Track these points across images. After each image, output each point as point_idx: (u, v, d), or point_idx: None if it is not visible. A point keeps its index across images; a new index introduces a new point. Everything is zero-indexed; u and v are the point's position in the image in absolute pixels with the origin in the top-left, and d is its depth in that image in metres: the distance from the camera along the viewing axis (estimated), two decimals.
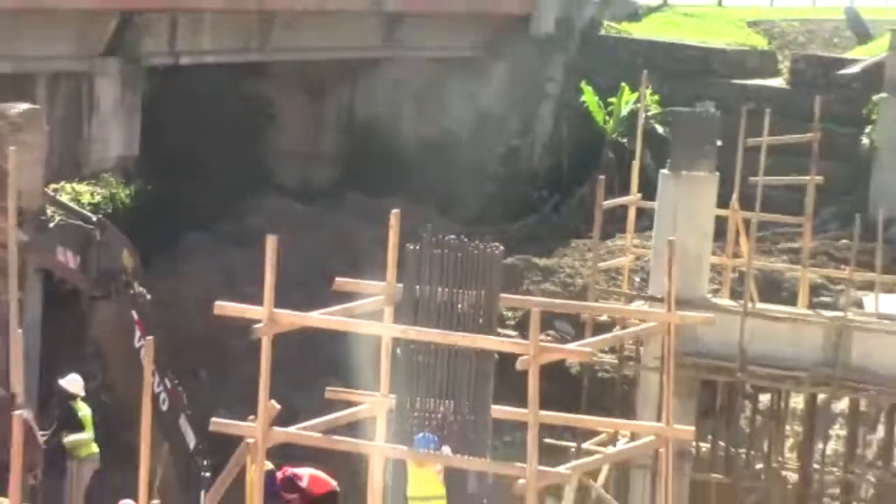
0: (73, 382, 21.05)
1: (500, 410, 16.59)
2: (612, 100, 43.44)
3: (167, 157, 36.99)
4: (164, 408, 23.29)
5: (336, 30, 43.19)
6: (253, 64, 41.28)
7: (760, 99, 38.44)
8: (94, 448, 21.11)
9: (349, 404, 17.47)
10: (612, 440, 23.47)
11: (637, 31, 51.56)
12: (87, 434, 21.01)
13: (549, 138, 45.40)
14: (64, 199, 29.40)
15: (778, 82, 46.68)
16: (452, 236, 16.99)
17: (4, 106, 23.02)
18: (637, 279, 31.92)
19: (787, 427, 29.24)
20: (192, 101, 38.30)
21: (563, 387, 24.93)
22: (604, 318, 25.79)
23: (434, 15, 46.82)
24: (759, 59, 50.89)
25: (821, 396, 27.88)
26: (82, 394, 21.22)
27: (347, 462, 18.54)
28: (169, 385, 23.53)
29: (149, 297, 25.77)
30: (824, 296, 32.49)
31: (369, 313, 16.83)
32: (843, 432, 29.56)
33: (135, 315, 24.32)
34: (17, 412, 14.98)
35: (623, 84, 42.49)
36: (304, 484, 17.61)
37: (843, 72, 44.86)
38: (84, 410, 21.10)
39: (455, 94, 45.48)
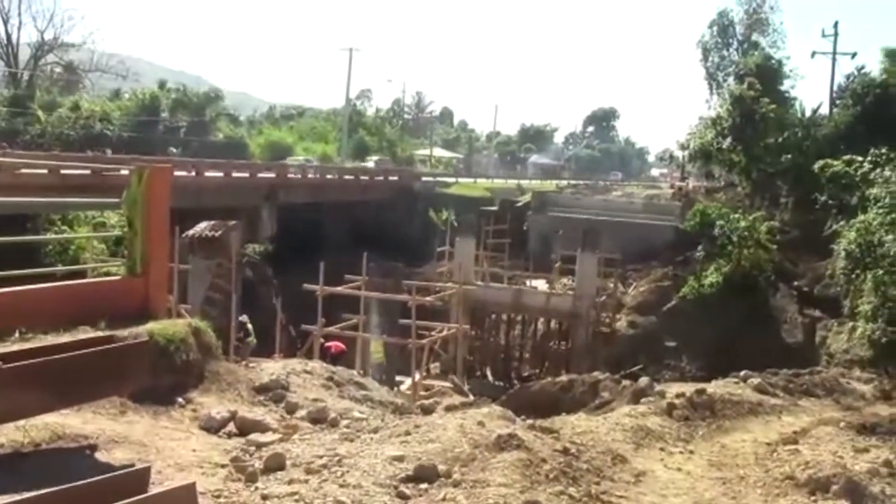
0: (243, 317, 22.00)
1: (402, 322, 25.02)
2: (439, 213, 45.59)
3: (285, 234, 39.81)
4: (285, 322, 26.16)
5: (349, 190, 51.24)
6: (316, 203, 45.73)
7: (489, 214, 45.39)
8: (254, 340, 21.61)
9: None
10: (441, 332, 27.19)
11: (451, 190, 60.03)
12: (252, 336, 21.60)
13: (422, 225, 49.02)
14: (249, 251, 33.13)
15: (495, 207, 51.15)
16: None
17: (228, 222, 25.26)
18: (451, 275, 33.10)
19: (502, 326, 34.86)
20: (295, 215, 41.65)
21: (426, 313, 26.45)
22: (438, 288, 30.42)
23: (382, 187, 55.27)
24: (490, 200, 54.54)
25: (512, 315, 34.36)
26: (247, 320, 21.92)
27: (351, 343, 24.08)
28: (282, 313, 26.29)
29: (275, 282, 31.95)
30: (512, 280, 36.17)
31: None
32: (519, 328, 35.03)
33: (273, 291, 30.21)
34: (243, 320, 21.79)
35: (442, 209, 45.21)
36: (332, 348, 22.72)
37: (517, 205, 51.34)
38: (250, 326, 21.78)
39: (395, 208, 52.10)
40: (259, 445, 7.40)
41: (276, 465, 6.62)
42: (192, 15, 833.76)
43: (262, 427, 8.09)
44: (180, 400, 8.55)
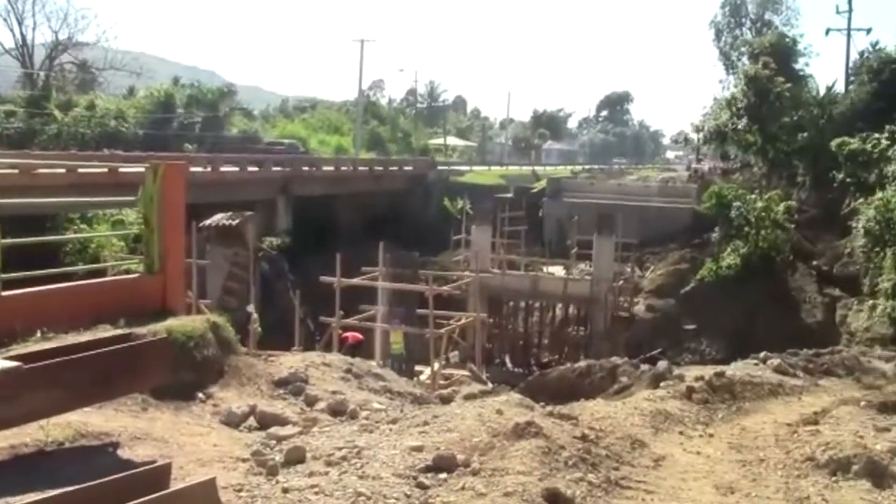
0: (250, 307, 20.94)
1: (420, 312, 25.22)
2: (454, 202, 45.84)
3: (301, 226, 40.19)
4: (302, 316, 25.00)
5: (363, 181, 51.16)
6: (330, 195, 46.43)
7: (505, 201, 43.94)
8: (259, 329, 20.25)
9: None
10: (459, 320, 26.71)
11: (465, 178, 60.61)
12: (257, 324, 20.23)
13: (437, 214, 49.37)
14: (265, 245, 32.68)
15: (510, 194, 50.46)
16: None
17: (245, 212, 24.12)
18: (467, 264, 33.23)
19: (520, 313, 34.79)
20: (310, 207, 42.16)
21: (443, 302, 26.93)
22: (455, 277, 31.37)
23: (396, 177, 55.13)
24: (504, 188, 54.68)
25: (529, 302, 34.33)
26: (253, 310, 20.77)
27: (369, 333, 24.53)
28: (300, 306, 25.27)
29: (292, 277, 31.55)
30: (529, 267, 35.62)
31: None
32: (537, 315, 34.72)
33: (289, 284, 29.76)
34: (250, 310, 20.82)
35: (457, 198, 45.52)
36: (349, 338, 22.93)
37: (532, 191, 51.25)
38: (255, 315, 20.57)
39: (410, 198, 52.88)
40: (279, 439, 7.44)
41: (296, 457, 6.65)
42: (203, 10, 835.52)
43: (281, 420, 8.13)
44: (201, 395, 8.61)
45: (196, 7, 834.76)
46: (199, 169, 35.19)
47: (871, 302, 27.45)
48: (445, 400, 10.96)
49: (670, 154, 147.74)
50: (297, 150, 62.15)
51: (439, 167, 64.21)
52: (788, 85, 42.85)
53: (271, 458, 6.71)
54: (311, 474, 6.27)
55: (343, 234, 39.98)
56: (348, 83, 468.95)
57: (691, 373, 12.39)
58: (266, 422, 8.09)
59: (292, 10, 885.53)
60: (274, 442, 7.37)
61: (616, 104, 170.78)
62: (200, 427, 7.73)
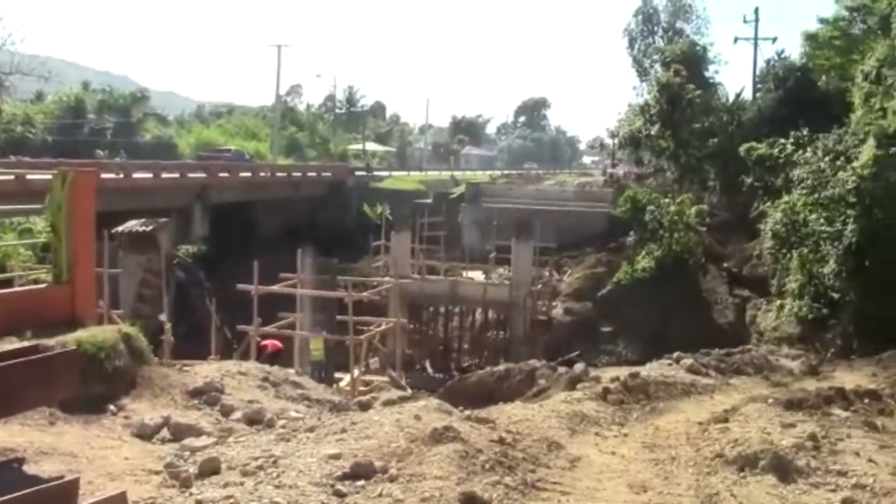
0: (163, 315, 20.68)
1: (340, 318, 24.33)
2: (373, 208, 47.90)
3: (218, 233, 39.64)
4: (219, 324, 24.12)
5: (282, 188, 50.62)
6: (248, 201, 46.27)
7: (424, 206, 43.38)
8: (171, 338, 19.32)
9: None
10: (378, 326, 26.73)
11: (384, 184, 60.24)
12: (169, 334, 19.62)
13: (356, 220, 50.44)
14: (181, 252, 31.80)
15: (429, 199, 50.54)
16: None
17: (159, 219, 24.20)
18: (387, 270, 32.94)
19: (440, 318, 34.45)
20: (227, 214, 41.86)
21: (363, 308, 26.30)
22: (375, 283, 30.06)
23: (315, 183, 54.91)
24: (424, 193, 55.79)
25: (449, 307, 33.92)
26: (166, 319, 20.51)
27: (288, 340, 23.84)
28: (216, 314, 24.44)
29: (208, 285, 29.49)
30: (449, 272, 35.34)
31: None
32: (457, 320, 34.51)
33: (205, 292, 28.04)
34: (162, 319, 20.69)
35: (376, 204, 47.40)
36: (269, 346, 21.80)
37: (451, 196, 51.44)
38: (168, 324, 20.15)
39: (329, 204, 52.38)
40: (194, 450, 7.32)
41: (210, 469, 6.55)
42: (116, 14, 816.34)
43: (196, 431, 8.02)
44: (112, 407, 8.44)
45: (108, 10, 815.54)
46: (112, 175, 34.41)
47: (778, 302, 28.03)
48: (364, 406, 10.91)
49: (587, 159, 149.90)
50: (242, 158, 62.55)
51: (358, 173, 64.07)
52: (699, 92, 43.90)
53: (185, 469, 6.59)
54: (225, 485, 6.18)
55: (261, 240, 39.47)
56: (265, 88, 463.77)
57: (607, 374, 12.63)
58: (180, 433, 7.97)
59: (208, 15, 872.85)
60: (188, 453, 7.25)
61: (533, 110, 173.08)
62: (111, 440, 7.58)
